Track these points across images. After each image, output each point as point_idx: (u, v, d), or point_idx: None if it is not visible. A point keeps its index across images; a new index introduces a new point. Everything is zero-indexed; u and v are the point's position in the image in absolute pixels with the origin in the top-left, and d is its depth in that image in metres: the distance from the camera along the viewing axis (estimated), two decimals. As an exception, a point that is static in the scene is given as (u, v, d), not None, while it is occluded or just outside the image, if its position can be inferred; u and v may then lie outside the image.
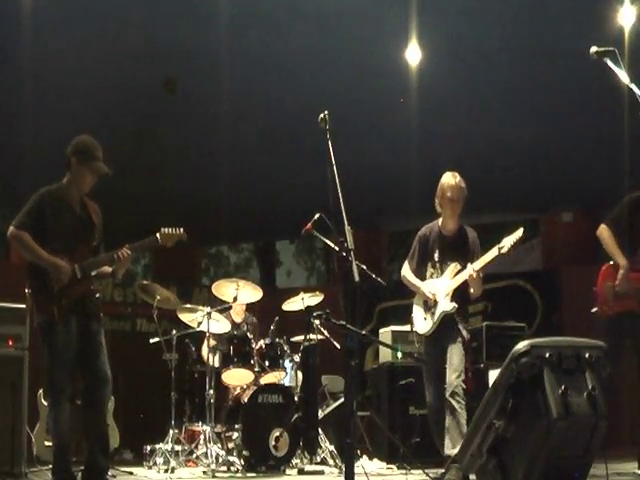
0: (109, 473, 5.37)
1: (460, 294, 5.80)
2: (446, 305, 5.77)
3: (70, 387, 5.07)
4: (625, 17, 6.68)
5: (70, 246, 5.06)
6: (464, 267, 5.77)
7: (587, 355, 3.97)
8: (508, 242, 5.56)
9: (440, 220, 5.98)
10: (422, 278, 5.96)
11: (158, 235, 5.23)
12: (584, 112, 8.18)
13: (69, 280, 4.98)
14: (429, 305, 5.89)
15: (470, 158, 8.61)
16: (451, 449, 5.54)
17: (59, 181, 5.19)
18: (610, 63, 4.15)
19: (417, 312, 6.04)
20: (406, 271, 6.05)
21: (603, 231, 6.02)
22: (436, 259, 5.90)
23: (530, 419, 3.87)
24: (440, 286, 5.83)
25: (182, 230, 5.28)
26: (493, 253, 5.62)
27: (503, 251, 5.57)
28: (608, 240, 5.99)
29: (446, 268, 5.84)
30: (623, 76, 4.12)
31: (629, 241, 5.96)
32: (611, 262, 6.02)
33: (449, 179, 5.85)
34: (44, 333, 5.00)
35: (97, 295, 5.24)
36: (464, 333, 5.84)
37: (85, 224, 5.16)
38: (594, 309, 5.99)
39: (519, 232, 5.55)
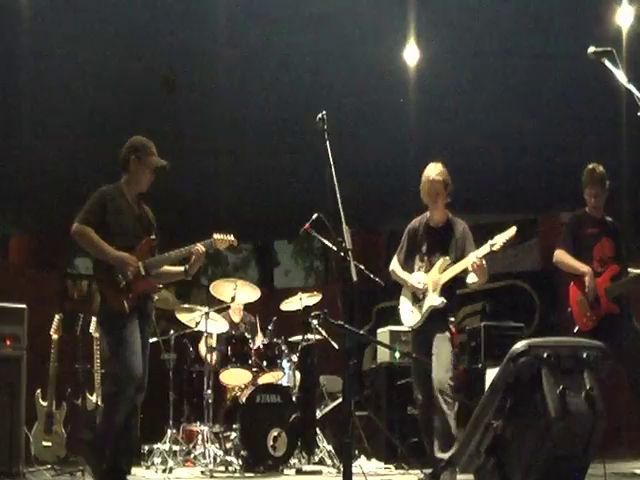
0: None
1: (448, 289, 5.69)
2: (434, 300, 5.66)
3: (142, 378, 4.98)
4: (623, 17, 6.69)
5: (131, 244, 5.08)
6: (453, 261, 5.70)
7: (585, 355, 3.96)
8: (500, 239, 5.48)
9: (428, 213, 5.89)
10: (411, 271, 5.85)
11: (212, 239, 5.44)
12: (584, 112, 8.18)
13: (134, 276, 5.00)
14: (417, 297, 5.77)
15: (469, 158, 8.61)
16: (441, 453, 5.50)
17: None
18: (608, 63, 4.14)
19: (404, 304, 5.91)
20: (394, 265, 5.94)
21: (559, 255, 6.18)
22: (424, 251, 5.79)
23: (528, 419, 3.86)
24: (428, 280, 5.73)
25: (233, 236, 5.49)
26: (485, 249, 5.53)
27: (495, 248, 5.46)
28: (566, 258, 6.15)
29: (434, 261, 5.72)
30: (621, 76, 4.12)
31: (580, 255, 6.11)
32: (572, 281, 6.13)
33: (428, 171, 5.73)
34: (113, 325, 4.96)
35: (156, 298, 5.29)
36: (451, 327, 5.77)
37: (144, 223, 5.22)
38: (576, 329, 6.03)
39: (512, 230, 5.48)
